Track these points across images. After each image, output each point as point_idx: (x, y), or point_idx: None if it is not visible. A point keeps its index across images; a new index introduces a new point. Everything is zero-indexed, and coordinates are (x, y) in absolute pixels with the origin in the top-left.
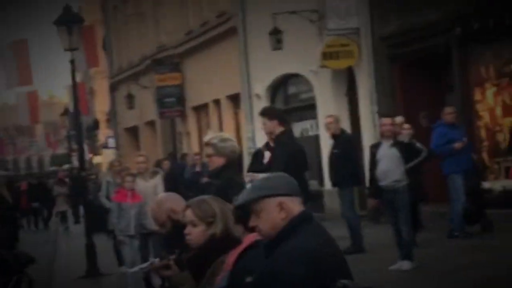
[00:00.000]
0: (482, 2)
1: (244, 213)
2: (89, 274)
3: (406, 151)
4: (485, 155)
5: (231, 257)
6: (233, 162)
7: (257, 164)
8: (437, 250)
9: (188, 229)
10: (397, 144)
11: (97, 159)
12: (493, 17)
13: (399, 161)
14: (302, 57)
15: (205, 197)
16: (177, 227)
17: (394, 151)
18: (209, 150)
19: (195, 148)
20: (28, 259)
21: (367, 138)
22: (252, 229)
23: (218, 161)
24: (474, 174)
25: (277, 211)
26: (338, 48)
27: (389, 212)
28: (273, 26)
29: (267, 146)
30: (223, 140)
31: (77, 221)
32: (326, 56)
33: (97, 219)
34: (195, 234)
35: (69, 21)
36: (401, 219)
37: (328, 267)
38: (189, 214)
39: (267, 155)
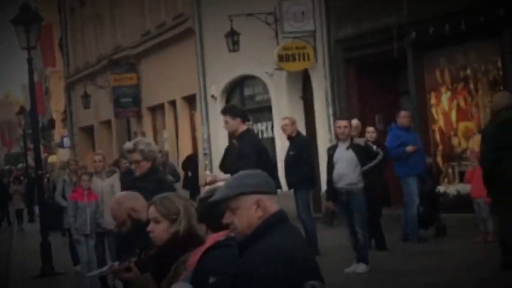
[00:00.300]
0: (437, 8)
1: (212, 211)
2: (44, 273)
3: (362, 153)
4: (439, 159)
5: (194, 256)
6: (158, 164)
7: (229, 159)
8: (391, 254)
9: (151, 226)
10: (353, 146)
11: (52, 159)
12: (449, 22)
13: (355, 164)
14: (258, 59)
15: (169, 194)
16: (137, 226)
17: (350, 154)
18: (136, 156)
19: None
20: None
21: (322, 141)
22: (220, 227)
23: (146, 165)
24: (428, 178)
25: (254, 209)
26: (294, 50)
27: (344, 214)
28: (230, 28)
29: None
30: (148, 144)
31: (31, 220)
32: (282, 58)
33: (52, 218)
34: (158, 231)
35: (27, 20)
36: (357, 222)
37: (302, 268)
38: (152, 211)
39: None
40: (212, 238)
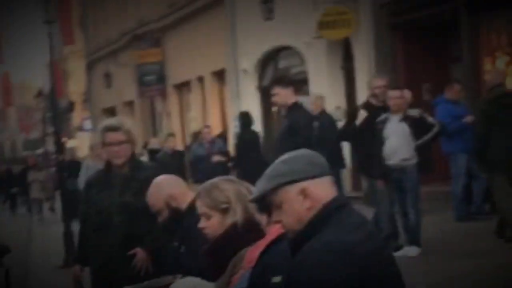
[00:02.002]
0: None
1: (265, 205)
2: (67, 263)
3: (417, 126)
4: None
5: (253, 252)
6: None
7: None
8: (443, 234)
9: (202, 223)
10: (407, 118)
11: (71, 143)
12: None
13: (410, 138)
14: (294, 28)
15: (216, 180)
16: (176, 216)
17: (404, 127)
18: (120, 136)
19: (176, 129)
20: (3, 248)
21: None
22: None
23: (128, 150)
24: None
25: (300, 200)
26: (335, 17)
27: (396, 193)
28: None
29: None
30: (132, 123)
31: (51, 208)
32: (322, 25)
33: (74, 206)
34: (212, 226)
35: None
36: (409, 202)
37: (368, 267)
38: (200, 206)
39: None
40: (275, 230)
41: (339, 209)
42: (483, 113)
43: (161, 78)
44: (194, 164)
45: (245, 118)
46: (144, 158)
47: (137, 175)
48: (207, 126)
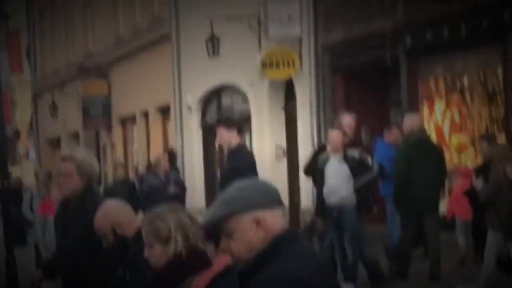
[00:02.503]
0: (435, 10)
1: (214, 231)
2: None
3: (356, 167)
4: None
5: (199, 282)
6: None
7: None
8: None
9: (146, 252)
10: (347, 159)
11: (15, 171)
12: (447, 26)
13: (349, 178)
14: (238, 66)
15: (160, 209)
16: (121, 242)
17: (344, 167)
18: (69, 166)
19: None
20: None
21: (305, 154)
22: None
23: (78, 182)
24: None
25: (254, 230)
26: (278, 57)
27: (334, 231)
28: (210, 32)
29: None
30: (87, 155)
31: None
32: (265, 65)
33: (16, 231)
34: (154, 256)
35: None
36: (347, 239)
37: None
38: (144, 234)
39: None
40: (222, 260)
41: (291, 241)
42: (403, 156)
43: (107, 111)
44: (148, 195)
45: (170, 156)
46: None
47: (88, 207)
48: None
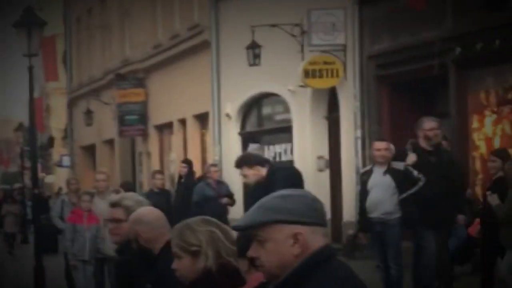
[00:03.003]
0: (487, 19)
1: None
2: None
3: (401, 179)
4: (478, 189)
5: None
6: None
7: None
8: None
9: (175, 263)
10: (391, 171)
11: (49, 179)
12: (499, 36)
13: (393, 191)
14: (279, 75)
15: (191, 220)
16: (146, 256)
17: (388, 179)
18: (118, 213)
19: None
20: None
21: (348, 166)
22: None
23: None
24: (467, 209)
25: (290, 244)
26: (321, 66)
27: (377, 247)
28: (251, 39)
29: None
30: (139, 202)
31: (24, 241)
32: (307, 74)
33: (48, 240)
34: (182, 268)
35: (30, 23)
36: (390, 256)
37: None
38: (172, 246)
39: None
40: (255, 278)
41: (326, 261)
42: None
43: (143, 118)
44: (199, 205)
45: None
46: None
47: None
48: (214, 165)
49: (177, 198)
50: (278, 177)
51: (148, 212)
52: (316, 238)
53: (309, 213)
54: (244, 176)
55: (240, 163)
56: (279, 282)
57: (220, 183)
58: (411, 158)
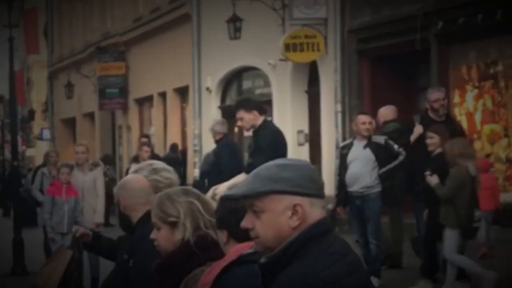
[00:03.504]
0: None
1: (236, 214)
2: (14, 271)
3: (382, 153)
4: None
5: (209, 273)
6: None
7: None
8: (404, 271)
9: (153, 233)
10: (371, 145)
11: (30, 152)
12: (482, 11)
13: (373, 165)
14: (260, 48)
15: (171, 190)
16: (125, 224)
17: (368, 153)
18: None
19: (135, 143)
20: None
21: (327, 140)
22: (246, 236)
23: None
24: None
25: (288, 216)
26: (302, 39)
27: (356, 222)
28: (232, 13)
29: None
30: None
31: (6, 214)
32: (288, 47)
33: (28, 213)
34: (161, 239)
35: None
36: (371, 230)
37: None
38: (152, 215)
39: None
40: (234, 250)
41: (323, 235)
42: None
43: (123, 92)
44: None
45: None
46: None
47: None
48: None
49: None
50: (266, 133)
51: (133, 179)
52: (314, 210)
53: (309, 183)
54: (240, 119)
55: (238, 105)
56: (274, 254)
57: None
58: (418, 130)
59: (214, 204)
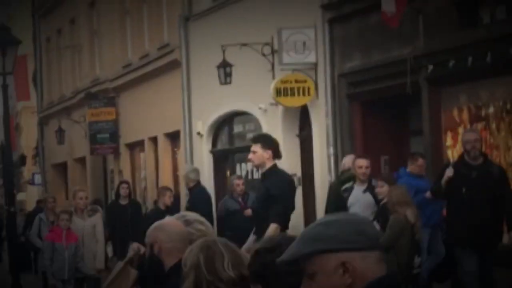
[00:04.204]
0: (459, 37)
1: (272, 268)
2: None
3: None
4: None
5: None
6: None
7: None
8: None
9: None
10: (371, 189)
11: (21, 196)
12: (472, 54)
13: (373, 209)
14: (250, 93)
15: (203, 240)
16: (153, 264)
17: (368, 197)
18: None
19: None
20: None
21: (321, 182)
22: None
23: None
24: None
25: (339, 275)
26: (293, 84)
27: None
28: (222, 59)
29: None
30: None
31: None
32: (279, 92)
33: (23, 258)
34: None
35: (5, 42)
36: None
37: None
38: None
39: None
40: None
41: None
42: (335, 192)
43: (114, 137)
44: (225, 220)
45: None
46: (99, 214)
47: None
48: (239, 178)
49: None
50: (279, 181)
51: (172, 222)
52: (369, 265)
53: (356, 237)
54: (254, 152)
55: (257, 139)
56: None
57: (247, 194)
58: (448, 172)
59: (244, 257)
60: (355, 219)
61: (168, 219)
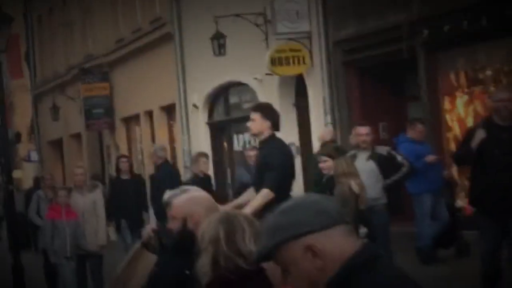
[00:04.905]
0: (453, 2)
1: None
2: None
3: (385, 165)
4: (454, 171)
5: None
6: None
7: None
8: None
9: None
10: (375, 156)
11: (16, 174)
12: (467, 17)
13: (378, 176)
14: (245, 64)
15: (221, 213)
16: (186, 238)
17: (372, 165)
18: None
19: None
20: None
21: None
22: None
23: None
24: (447, 192)
25: (309, 260)
26: (288, 53)
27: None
28: (215, 30)
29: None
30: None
31: None
32: (274, 61)
33: (22, 236)
34: (202, 263)
35: None
36: (378, 242)
37: None
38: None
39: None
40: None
41: (367, 266)
42: (315, 166)
43: (109, 112)
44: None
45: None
46: (99, 190)
47: None
48: (252, 149)
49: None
50: (276, 151)
51: (205, 195)
52: (335, 243)
53: (315, 219)
54: (253, 120)
55: (257, 108)
56: None
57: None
58: (480, 134)
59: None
60: (311, 200)
61: (197, 190)
